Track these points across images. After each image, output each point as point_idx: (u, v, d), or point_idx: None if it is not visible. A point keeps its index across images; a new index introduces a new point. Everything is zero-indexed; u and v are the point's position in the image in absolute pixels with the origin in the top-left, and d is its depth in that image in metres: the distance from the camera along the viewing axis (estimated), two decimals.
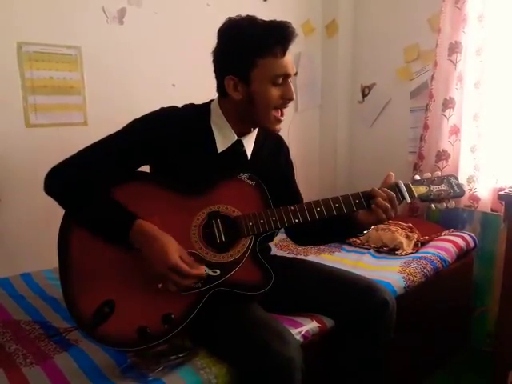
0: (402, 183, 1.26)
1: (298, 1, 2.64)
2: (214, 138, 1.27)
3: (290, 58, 1.20)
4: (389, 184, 1.27)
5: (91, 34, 1.93)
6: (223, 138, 1.27)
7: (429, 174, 1.31)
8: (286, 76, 1.20)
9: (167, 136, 1.22)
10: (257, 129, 1.33)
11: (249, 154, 1.31)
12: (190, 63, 2.17)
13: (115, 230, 1.14)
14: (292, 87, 1.22)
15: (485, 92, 2.15)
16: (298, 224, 1.22)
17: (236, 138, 1.28)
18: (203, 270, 1.12)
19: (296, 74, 1.24)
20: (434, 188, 1.28)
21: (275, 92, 1.20)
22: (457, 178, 1.32)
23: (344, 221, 1.31)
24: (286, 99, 1.22)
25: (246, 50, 1.17)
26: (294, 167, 1.50)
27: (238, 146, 1.29)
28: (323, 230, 1.36)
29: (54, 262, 1.17)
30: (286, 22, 1.18)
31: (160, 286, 1.11)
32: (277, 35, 1.16)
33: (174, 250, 1.09)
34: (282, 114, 1.24)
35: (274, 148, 1.41)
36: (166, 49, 2.14)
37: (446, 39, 2.21)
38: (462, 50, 2.16)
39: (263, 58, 1.16)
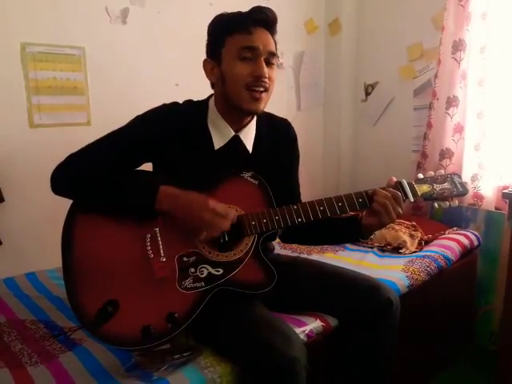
0: (405, 182, 1.26)
1: None
2: (211, 135, 1.27)
3: (264, 37, 1.19)
4: (392, 184, 1.27)
5: (94, 34, 1.93)
6: (220, 135, 1.27)
7: (432, 173, 1.31)
8: (254, 50, 1.17)
9: (167, 132, 1.23)
10: (254, 120, 1.32)
11: (249, 147, 1.31)
12: (193, 63, 2.14)
13: (140, 199, 1.14)
14: (264, 65, 1.18)
15: (489, 90, 2.14)
16: (301, 223, 1.22)
17: (233, 133, 1.27)
18: (233, 211, 1.17)
19: (274, 54, 1.20)
20: (437, 187, 1.27)
21: (243, 68, 1.18)
22: (460, 177, 1.32)
23: (346, 224, 1.32)
24: (255, 76, 1.17)
25: (218, 30, 1.22)
26: (300, 162, 1.47)
27: (237, 141, 1.29)
28: (321, 231, 1.37)
29: (58, 261, 1.18)
30: (263, 6, 1.21)
31: (203, 236, 1.14)
32: (246, 15, 1.19)
33: (207, 198, 1.13)
34: (257, 92, 1.18)
35: (278, 134, 1.38)
36: (169, 48, 2.15)
37: (450, 37, 2.20)
38: (465, 47, 2.16)
39: (231, 35, 1.19)
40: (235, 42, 1.18)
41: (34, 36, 1.80)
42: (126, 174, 1.19)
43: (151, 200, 1.13)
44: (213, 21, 1.25)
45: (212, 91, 1.30)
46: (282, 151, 1.38)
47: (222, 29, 1.21)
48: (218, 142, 1.27)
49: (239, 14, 1.21)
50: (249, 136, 1.31)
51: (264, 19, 1.20)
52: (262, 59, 1.18)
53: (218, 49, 1.21)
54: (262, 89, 1.19)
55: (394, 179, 1.27)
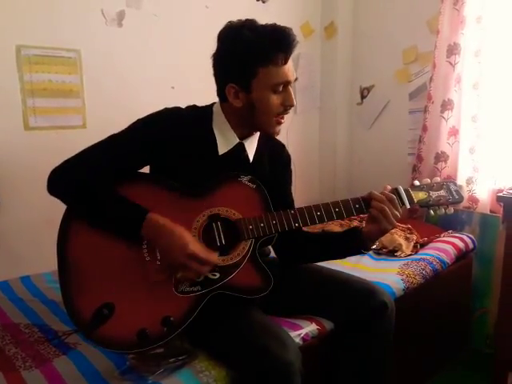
0: (401, 188, 1.26)
1: (297, 3, 2.64)
2: (215, 140, 1.27)
3: (290, 64, 1.20)
4: (388, 190, 1.27)
5: (90, 37, 1.93)
6: (225, 141, 1.27)
7: (428, 180, 1.31)
8: (287, 83, 1.20)
9: (170, 137, 1.22)
10: (258, 132, 1.33)
11: (251, 157, 1.31)
12: (189, 65, 2.17)
13: (127, 224, 1.14)
14: (292, 93, 1.21)
15: (483, 93, 2.15)
16: (295, 242, 1.22)
17: (238, 140, 1.27)
18: (216, 256, 1.15)
19: (296, 79, 1.24)
20: (433, 194, 1.28)
21: (276, 99, 1.20)
22: (456, 184, 1.32)
23: (347, 236, 1.31)
24: (286, 106, 1.22)
25: (247, 58, 1.16)
26: (294, 173, 1.48)
27: (240, 148, 1.29)
28: (322, 246, 1.37)
29: (53, 264, 1.17)
30: (287, 28, 1.17)
31: (179, 275, 1.12)
32: (279, 43, 1.15)
33: (191, 239, 1.12)
34: (282, 118, 1.24)
35: (274, 154, 1.40)
36: (165, 51, 2.15)
37: (445, 41, 2.22)
38: (460, 51, 2.17)
39: (265, 66, 1.16)
40: (269, 76, 1.16)
41: (29, 38, 1.79)
42: (117, 195, 1.17)
43: (137, 226, 1.12)
44: (236, 44, 1.17)
45: (211, 95, 1.29)
46: (277, 170, 1.39)
47: (255, 58, 1.15)
48: (223, 148, 1.27)
49: (268, 40, 1.15)
50: (252, 145, 1.31)
51: (292, 48, 1.17)
52: (290, 88, 1.21)
53: (247, 78, 1.17)
54: (287, 113, 1.24)
55: (389, 187, 1.27)
